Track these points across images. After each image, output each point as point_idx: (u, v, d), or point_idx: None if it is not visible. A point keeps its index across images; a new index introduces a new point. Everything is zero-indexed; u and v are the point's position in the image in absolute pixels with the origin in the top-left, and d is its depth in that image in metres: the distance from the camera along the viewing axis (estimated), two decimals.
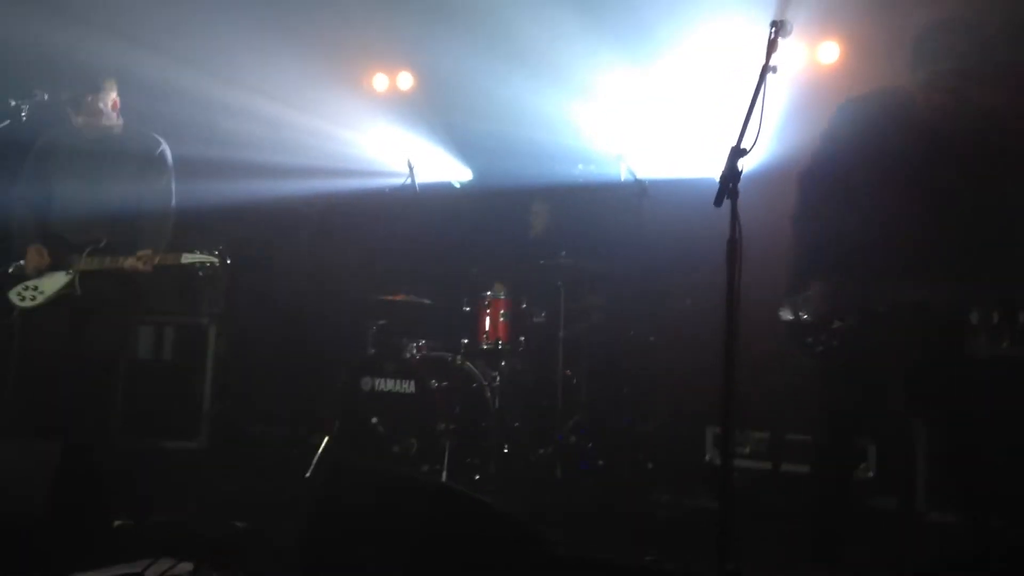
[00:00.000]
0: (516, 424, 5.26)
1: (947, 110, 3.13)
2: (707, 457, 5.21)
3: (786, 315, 3.45)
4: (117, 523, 3.91)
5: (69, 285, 4.23)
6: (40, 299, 4.24)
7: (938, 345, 3.12)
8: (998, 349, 4.12)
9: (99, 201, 4.26)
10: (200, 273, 4.17)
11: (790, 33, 2.79)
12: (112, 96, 4.36)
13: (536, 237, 5.96)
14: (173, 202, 4.43)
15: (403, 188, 5.72)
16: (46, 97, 4.13)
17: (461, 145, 6.52)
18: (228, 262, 4.19)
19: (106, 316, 4.28)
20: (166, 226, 4.38)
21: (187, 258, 4.16)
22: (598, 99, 5.87)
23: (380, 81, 6.67)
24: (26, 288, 4.26)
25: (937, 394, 3.20)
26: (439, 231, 6.19)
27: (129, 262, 4.16)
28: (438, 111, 6.47)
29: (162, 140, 4.46)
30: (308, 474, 4.87)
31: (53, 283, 4.24)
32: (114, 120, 4.38)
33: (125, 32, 5.30)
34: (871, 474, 4.62)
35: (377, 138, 6.53)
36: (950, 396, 3.16)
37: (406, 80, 6.62)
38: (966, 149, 3.11)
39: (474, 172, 6.63)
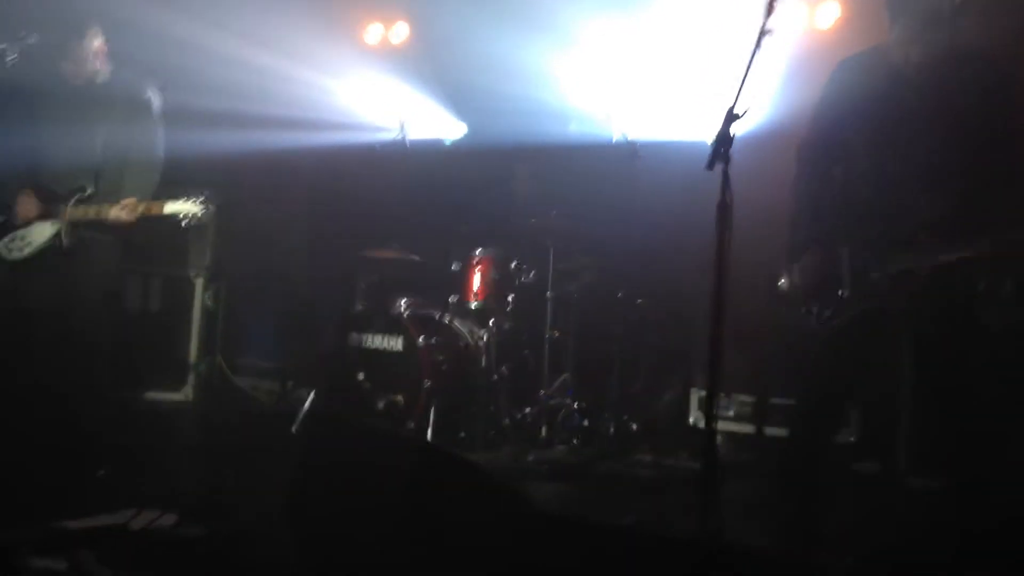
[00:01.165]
0: (502, 383, 5.27)
1: (926, 64, 3.09)
2: (691, 419, 5.24)
3: (783, 284, 3.45)
4: (101, 472, 3.93)
5: (56, 236, 4.18)
6: (28, 250, 4.19)
7: (942, 313, 3.10)
8: (1002, 316, 4.12)
9: (85, 149, 4.19)
10: (184, 223, 4.11)
11: None
12: (98, 42, 4.28)
13: (522, 200, 5.92)
14: (161, 150, 4.36)
15: (394, 143, 5.67)
16: (32, 41, 4.05)
17: (454, 100, 6.45)
18: (212, 210, 4.13)
19: (93, 267, 4.25)
20: (153, 175, 4.31)
21: (170, 207, 4.10)
22: (593, 57, 5.80)
23: (374, 32, 6.57)
24: (13, 239, 4.21)
25: (939, 363, 3.20)
26: (430, 188, 6.14)
27: (113, 211, 4.11)
28: (433, 65, 6.39)
29: (148, 85, 4.37)
30: (294, 428, 4.87)
31: (40, 233, 4.20)
32: (101, 66, 4.30)
33: None
34: (853, 439, 4.65)
35: (369, 91, 6.44)
36: (952, 364, 3.15)
37: (401, 31, 6.52)
38: (954, 103, 3.07)
39: (468, 127, 6.56)
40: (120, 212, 4.10)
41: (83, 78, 4.25)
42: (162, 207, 4.11)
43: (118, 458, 3.96)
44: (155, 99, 4.36)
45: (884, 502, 4.05)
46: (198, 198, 4.09)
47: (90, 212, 4.15)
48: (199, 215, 4.09)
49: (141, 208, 4.11)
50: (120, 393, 5.48)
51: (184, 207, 4.08)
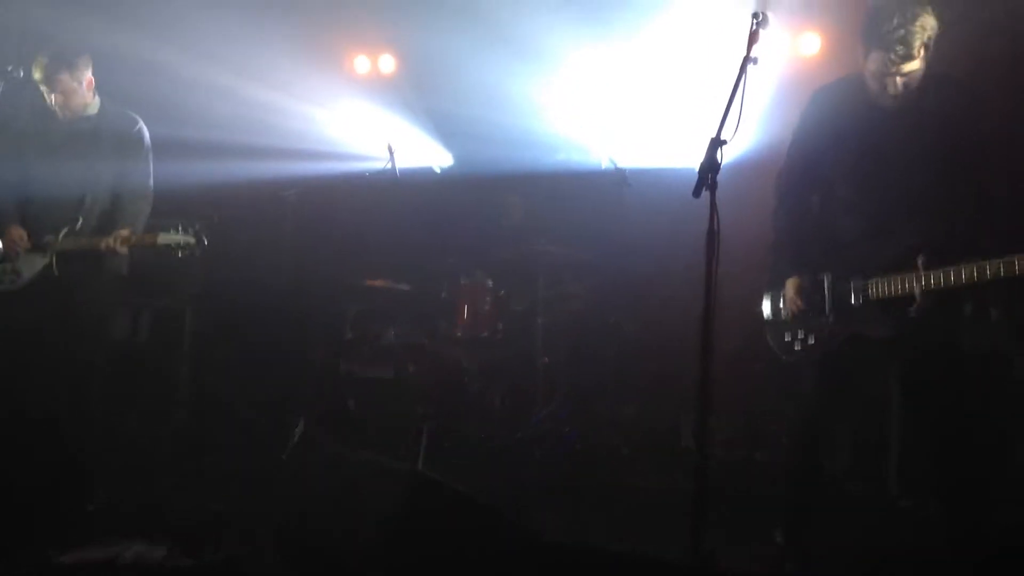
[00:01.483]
0: (494, 409, 5.27)
1: (902, 94, 3.14)
2: (683, 443, 5.24)
3: (767, 312, 3.48)
4: (90, 507, 3.91)
5: (47, 267, 4.18)
6: (20, 282, 4.18)
7: (926, 338, 3.13)
8: (987, 342, 4.16)
9: (75, 181, 4.20)
10: (178, 254, 4.13)
11: (770, 25, 2.79)
12: (87, 74, 4.29)
13: (511, 227, 5.95)
14: (151, 182, 4.38)
15: (383, 172, 5.69)
16: (21, 74, 4.08)
17: (443, 130, 6.49)
18: (205, 243, 4.16)
19: (84, 298, 4.24)
20: (143, 206, 4.34)
21: (164, 238, 4.12)
22: (582, 87, 5.86)
23: (362, 63, 6.62)
24: (3, 272, 4.20)
25: (926, 386, 3.22)
26: (419, 216, 6.16)
27: (105, 243, 4.11)
28: (420, 95, 6.43)
29: (139, 119, 4.39)
30: (284, 457, 4.85)
31: (31, 266, 4.19)
32: (89, 99, 4.32)
33: (102, 8, 5.23)
34: (843, 462, 4.67)
35: (358, 121, 6.48)
36: (938, 388, 3.18)
37: (388, 63, 6.57)
38: (931, 130, 3.12)
39: (455, 157, 6.60)
40: (112, 243, 4.10)
41: (72, 110, 4.27)
42: (155, 238, 4.12)
43: (109, 487, 3.95)
44: (144, 130, 4.38)
45: (875, 525, 4.06)
46: (191, 229, 4.11)
47: (81, 243, 4.15)
48: (193, 246, 4.10)
49: (134, 239, 4.12)
50: (111, 422, 5.46)
51: (178, 238, 4.09)
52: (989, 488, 3.25)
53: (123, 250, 4.12)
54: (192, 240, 4.10)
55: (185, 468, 4.78)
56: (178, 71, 5.77)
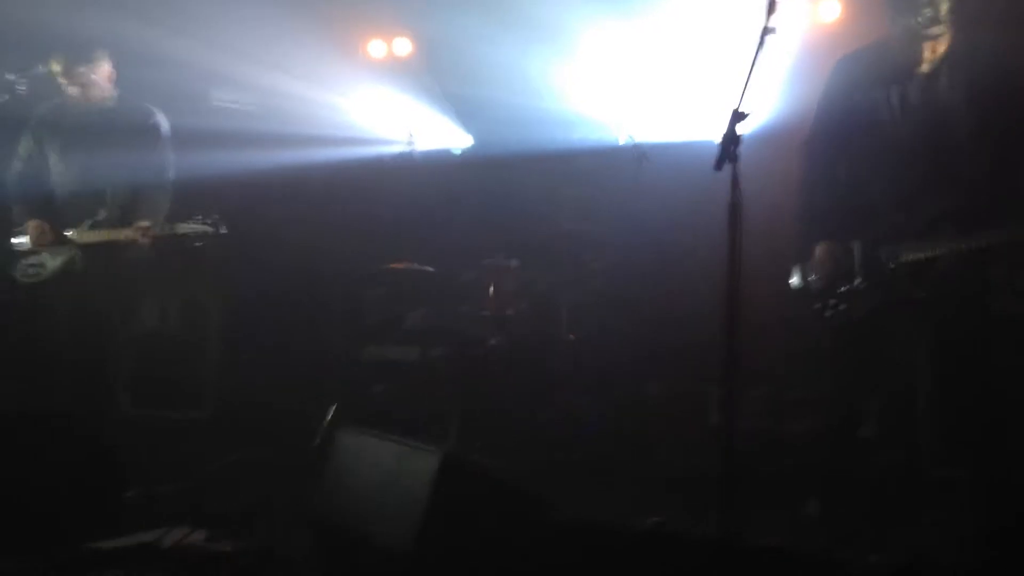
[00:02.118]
0: (520, 389, 5.28)
1: (929, 60, 3.10)
2: (711, 419, 5.23)
3: (796, 281, 3.45)
4: (130, 494, 3.96)
5: (71, 260, 4.23)
6: (43, 274, 4.24)
7: (958, 302, 3.10)
8: (1016, 306, 4.11)
9: (96, 174, 4.25)
10: (197, 243, 4.16)
11: None
12: (106, 67, 4.32)
13: (532, 207, 5.91)
14: (171, 172, 4.40)
15: (403, 156, 5.70)
16: (41, 69, 4.11)
17: (461, 112, 6.47)
18: (224, 231, 4.18)
19: (110, 289, 4.29)
20: (163, 197, 4.36)
21: (183, 228, 4.16)
22: (597, 63, 5.81)
23: (377, 47, 6.60)
24: (30, 265, 4.26)
25: (956, 350, 3.19)
26: (440, 198, 6.16)
27: (126, 234, 4.15)
28: (437, 77, 6.41)
29: (156, 110, 4.40)
30: (314, 443, 4.89)
31: (55, 258, 4.25)
32: (108, 92, 4.35)
33: (119, 5, 5.25)
34: (873, 431, 4.63)
35: (376, 105, 6.48)
36: (968, 352, 3.15)
37: (403, 46, 6.54)
38: (958, 98, 3.08)
39: (474, 139, 6.59)
40: (134, 234, 4.15)
41: (91, 103, 4.30)
42: (175, 228, 4.16)
43: (145, 478, 4.00)
44: (163, 122, 4.41)
45: (907, 496, 4.03)
46: (210, 218, 4.14)
47: (104, 236, 4.19)
48: (212, 235, 4.14)
49: (155, 230, 4.17)
50: (143, 413, 5.54)
51: (197, 227, 4.13)
52: (1016, 457, 3.21)
53: (145, 241, 4.16)
54: (211, 229, 4.14)
55: (218, 457, 4.83)
56: (196, 62, 5.79)
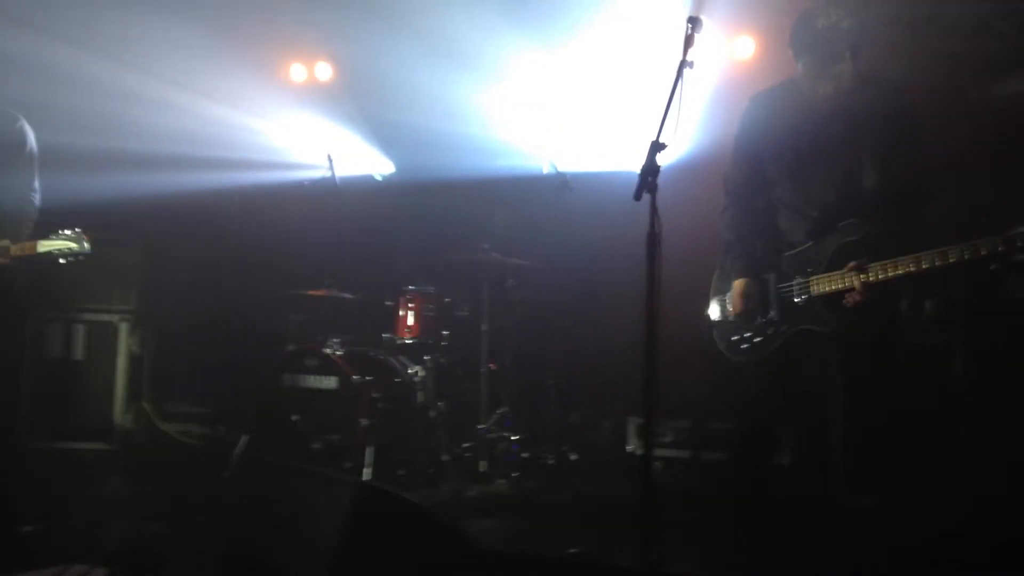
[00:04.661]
0: (440, 418, 5.23)
1: (832, 94, 3.22)
2: (629, 447, 5.26)
3: (714, 313, 3.51)
4: (26, 528, 3.77)
5: None
6: None
7: (867, 333, 3.18)
8: (923, 336, 4.26)
9: None
10: (61, 261, 3.88)
11: (703, 30, 2.83)
12: None
13: (452, 234, 5.89)
14: (36, 184, 4.00)
15: (323, 181, 5.63)
16: None
17: (382, 137, 6.44)
18: (87, 248, 3.90)
19: None
20: (27, 212, 3.97)
21: (44, 245, 3.84)
22: (521, 92, 5.86)
23: (298, 71, 6.53)
24: None
25: (866, 380, 3.27)
26: (360, 224, 6.10)
27: None
28: (358, 102, 6.37)
29: (19, 116, 4.02)
30: (227, 474, 4.75)
31: None
32: None
33: (30, 21, 5.08)
34: (788, 460, 4.73)
35: (296, 129, 6.41)
36: (878, 381, 3.23)
37: (325, 70, 6.49)
38: (863, 129, 3.19)
39: (396, 165, 6.56)
40: None
41: None
42: (35, 246, 3.85)
43: (43, 512, 3.82)
44: (27, 127, 4.02)
45: (820, 523, 4.12)
46: (72, 232, 3.86)
47: None
48: (76, 250, 3.86)
49: (14, 249, 3.85)
50: (45, 444, 5.31)
51: (59, 244, 3.84)
52: (926, 483, 3.31)
53: (4, 261, 3.84)
54: (75, 245, 3.86)
55: (123, 489, 4.66)
56: (114, 84, 5.63)
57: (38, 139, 4.07)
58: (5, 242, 3.80)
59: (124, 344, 5.84)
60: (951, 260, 2.86)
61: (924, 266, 2.92)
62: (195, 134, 6.08)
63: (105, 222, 4.40)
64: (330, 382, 4.98)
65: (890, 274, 3.01)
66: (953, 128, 4.31)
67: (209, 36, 5.70)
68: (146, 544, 3.65)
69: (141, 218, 5.49)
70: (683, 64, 2.81)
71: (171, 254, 6.05)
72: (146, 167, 5.65)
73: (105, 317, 5.85)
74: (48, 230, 3.88)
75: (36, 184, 4.02)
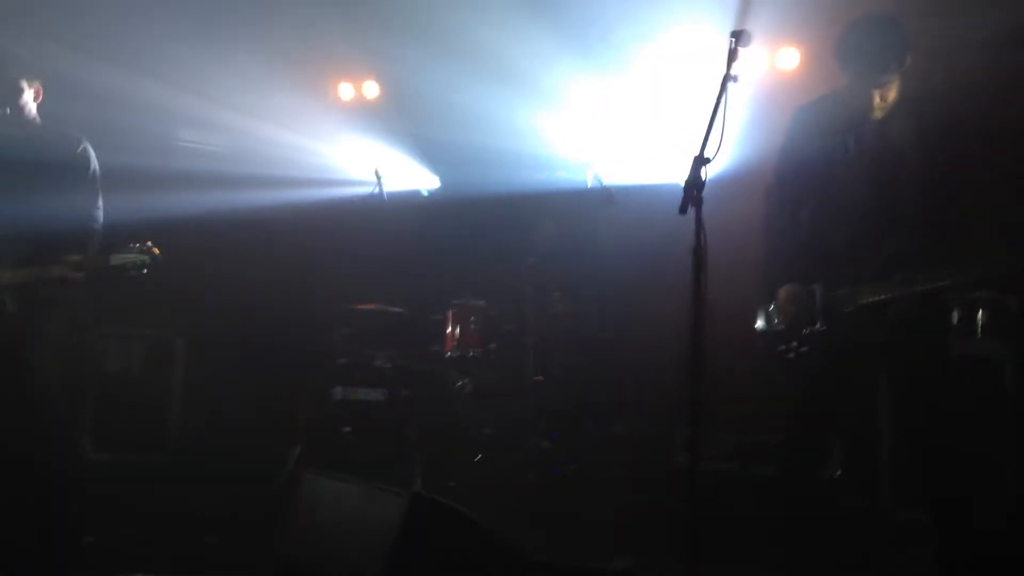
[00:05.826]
0: (487, 431, 5.27)
1: (880, 107, 3.21)
2: (676, 459, 5.24)
3: (760, 325, 3.51)
4: (88, 539, 3.86)
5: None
6: None
7: (915, 344, 3.15)
8: (972, 347, 4.20)
9: (20, 210, 4.00)
10: (132, 274, 3.94)
11: (750, 43, 2.83)
12: (28, 94, 4.07)
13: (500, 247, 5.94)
14: (100, 203, 4.05)
15: (371, 197, 5.72)
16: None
17: (428, 153, 6.52)
18: (158, 257, 3.95)
19: (45, 331, 4.04)
20: (93, 230, 4.02)
21: (116, 259, 3.85)
22: (564, 107, 5.89)
23: (346, 90, 6.65)
24: None
25: (915, 392, 3.24)
26: (408, 239, 6.18)
27: (56, 270, 3.89)
28: (405, 120, 6.47)
29: (83, 138, 4.08)
30: (279, 486, 4.84)
31: None
32: (32, 118, 4.10)
33: (83, 44, 5.24)
34: (838, 474, 4.68)
35: (344, 147, 6.51)
36: (928, 394, 3.20)
37: (372, 89, 6.60)
38: (910, 142, 3.17)
39: (442, 180, 6.63)
40: (65, 270, 3.91)
41: (11, 137, 4.06)
42: (107, 260, 3.91)
43: (104, 523, 3.91)
44: (89, 149, 4.05)
45: (869, 539, 4.07)
46: (141, 245, 3.92)
47: (32, 274, 3.93)
48: (147, 263, 3.92)
49: (86, 263, 3.93)
50: (104, 457, 5.43)
51: (132, 257, 3.90)
52: (976, 499, 3.25)
53: (77, 276, 3.92)
54: (146, 258, 3.92)
55: (180, 499, 4.75)
56: (168, 106, 5.79)
57: (99, 159, 4.20)
58: (77, 257, 3.87)
59: (179, 359, 5.96)
60: (1000, 270, 2.84)
61: (972, 276, 2.90)
62: (249, 153, 6.22)
63: (159, 241, 4.50)
64: (378, 394, 5.04)
65: (938, 284, 2.99)
66: (997, 138, 4.25)
67: (260, 58, 5.83)
68: (202, 555, 3.71)
69: (195, 236, 5.61)
70: (727, 78, 2.82)
71: (224, 270, 6.17)
72: (199, 186, 5.78)
73: (160, 333, 5.98)
74: (111, 249, 3.97)
75: (100, 203, 4.10)
